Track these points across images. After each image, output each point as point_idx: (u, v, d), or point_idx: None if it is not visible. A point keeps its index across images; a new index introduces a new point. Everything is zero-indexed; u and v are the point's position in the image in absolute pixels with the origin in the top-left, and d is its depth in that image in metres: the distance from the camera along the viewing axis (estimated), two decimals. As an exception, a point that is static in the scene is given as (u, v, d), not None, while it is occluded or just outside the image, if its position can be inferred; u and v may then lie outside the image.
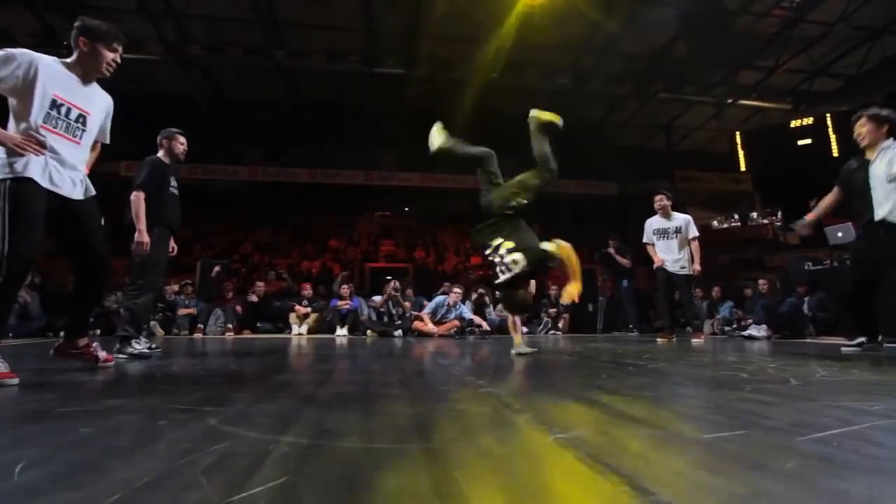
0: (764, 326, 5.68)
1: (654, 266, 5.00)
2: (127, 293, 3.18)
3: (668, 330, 5.04)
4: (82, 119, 2.00)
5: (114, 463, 0.80)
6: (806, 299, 5.83)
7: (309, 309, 7.26)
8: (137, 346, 2.98)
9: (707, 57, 10.69)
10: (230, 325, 6.88)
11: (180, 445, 0.89)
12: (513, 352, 3.19)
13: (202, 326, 6.77)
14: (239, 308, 7.23)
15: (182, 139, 3.40)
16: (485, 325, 6.68)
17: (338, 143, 13.42)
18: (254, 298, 7.53)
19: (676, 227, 4.90)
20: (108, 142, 2.25)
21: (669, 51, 11.02)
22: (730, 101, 12.63)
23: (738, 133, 12.71)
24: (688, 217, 4.98)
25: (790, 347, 4.07)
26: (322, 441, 0.94)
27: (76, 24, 2.01)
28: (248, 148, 13.62)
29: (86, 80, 2.02)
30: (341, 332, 6.85)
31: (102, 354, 2.30)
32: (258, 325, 7.31)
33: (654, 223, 5.04)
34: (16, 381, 1.72)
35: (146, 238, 3.00)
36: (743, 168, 12.68)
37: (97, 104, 2.09)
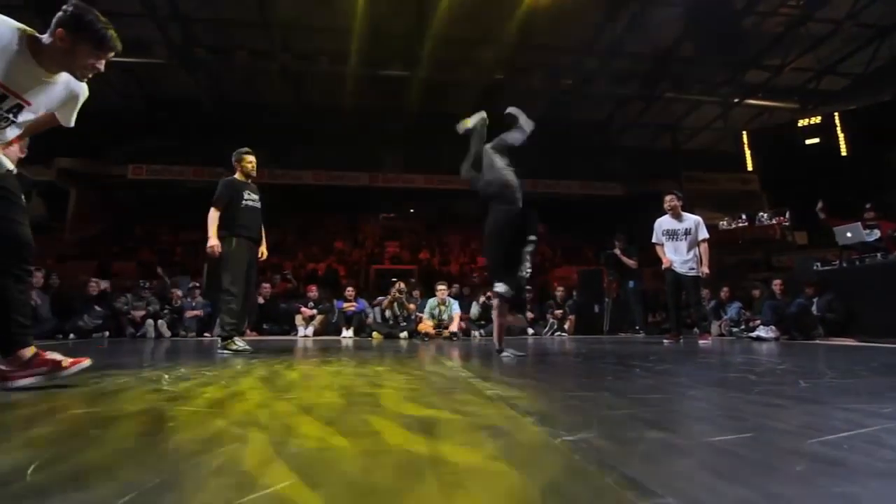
0: (772, 327, 5.62)
1: (663, 267, 4.97)
2: (222, 300, 3.65)
3: (675, 331, 5.01)
4: (16, 109, 1.59)
5: (123, 464, 0.80)
6: (815, 300, 5.77)
7: (315, 311, 7.28)
8: (240, 344, 3.54)
9: (713, 56, 10.64)
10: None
11: (189, 447, 0.90)
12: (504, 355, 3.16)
13: (208, 335, 6.78)
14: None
15: (250, 158, 3.93)
16: (453, 327, 6.66)
17: (343, 145, 13.47)
18: (259, 300, 7.57)
19: (686, 229, 4.86)
20: (72, 125, 1.83)
21: (675, 50, 10.98)
22: (736, 100, 12.56)
23: (744, 133, 12.61)
24: (698, 218, 4.93)
25: (799, 349, 4.03)
26: (329, 443, 0.95)
27: (64, 7, 1.56)
28: (254, 150, 13.72)
29: (48, 69, 1.61)
30: (347, 333, 6.87)
31: (58, 357, 1.72)
32: (264, 326, 7.35)
33: (663, 223, 5.00)
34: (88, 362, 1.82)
35: (213, 243, 3.54)
36: (750, 168, 12.57)
37: (50, 96, 1.67)
